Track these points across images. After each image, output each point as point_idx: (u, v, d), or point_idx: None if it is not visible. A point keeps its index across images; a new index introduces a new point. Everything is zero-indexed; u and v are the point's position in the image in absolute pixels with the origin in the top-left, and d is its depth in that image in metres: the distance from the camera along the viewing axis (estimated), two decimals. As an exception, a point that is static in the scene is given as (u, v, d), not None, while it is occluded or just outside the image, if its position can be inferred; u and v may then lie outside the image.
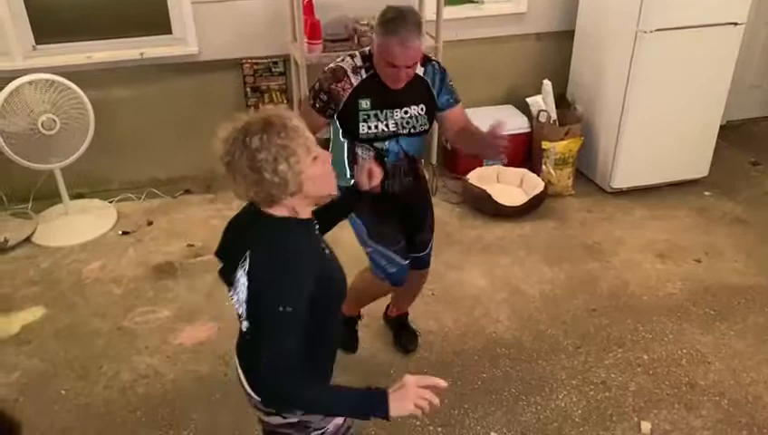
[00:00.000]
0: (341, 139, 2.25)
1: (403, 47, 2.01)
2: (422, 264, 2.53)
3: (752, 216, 3.75)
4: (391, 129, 2.19)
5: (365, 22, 3.56)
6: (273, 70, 3.87)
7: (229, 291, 1.46)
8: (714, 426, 2.44)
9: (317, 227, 1.55)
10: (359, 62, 2.16)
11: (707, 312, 3.02)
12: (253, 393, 1.52)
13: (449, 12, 3.82)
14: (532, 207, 3.73)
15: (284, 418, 1.53)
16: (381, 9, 2.06)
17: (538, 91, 4.02)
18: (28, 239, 3.52)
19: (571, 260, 3.37)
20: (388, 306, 2.84)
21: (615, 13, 3.69)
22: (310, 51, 3.49)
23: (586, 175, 4.13)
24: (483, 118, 4.08)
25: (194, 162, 3.92)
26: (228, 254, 1.48)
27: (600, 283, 3.20)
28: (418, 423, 2.44)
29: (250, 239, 1.42)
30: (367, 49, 2.19)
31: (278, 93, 3.90)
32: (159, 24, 3.69)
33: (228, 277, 1.45)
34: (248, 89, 3.88)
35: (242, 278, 1.38)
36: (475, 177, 3.84)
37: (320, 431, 1.56)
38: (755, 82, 4.72)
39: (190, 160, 3.93)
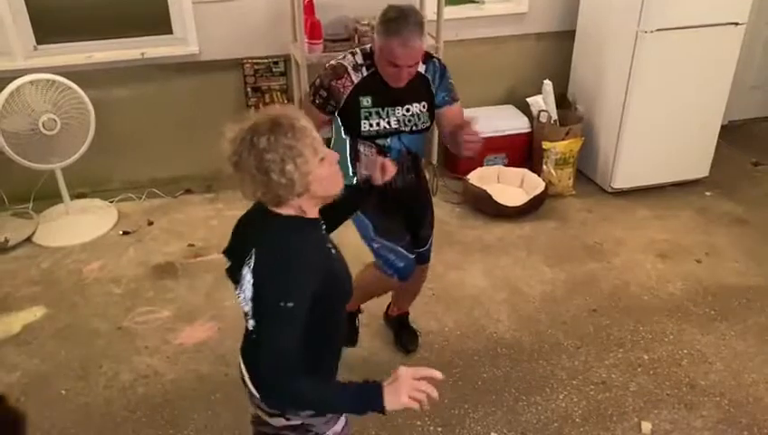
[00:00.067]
0: (343, 136, 2.25)
1: (405, 47, 2.01)
2: (423, 259, 2.54)
3: (752, 216, 3.74)
4: (393, 126, 2.20)
5: (366, 22, 3.56)
6: (274, 70, 3.87)
7: (236, 289, 1.46)
8: (714, 426, 2.44)
9: (323, 226, 1.55)
10: (360, 59, 2.16)
11: (708, 312, 3.01)
12: (256, 393, 1.52)
13: (450, 12, 3.82)
14: (532, 208, 3.73)
15: (287, 420, 1.52)
16: (382, 9, 2.06)
17: (538, 91, 4.02)
18: (29, 239, 3.52)
19: (571, 260, 3.36)
20: (388, 306, 2.84)
21: (616, 13, 3.69)
22: (310, 51, 3.50)
23: (587, 175, 4.13)
24: (483, 118, 4.11)
25: (194, 162, 3.93)
26: (236, 252, 1.49)
27: (601, 283, 3.20)
28: (419, 423, 2.44)
29: (256, 238, 1.43)
30: (368, 46, 2.18)
31: (279, 93, 3.90)
32: (160, 23, 3.69)
33: (235, 276, 1.46)
34: (249, 89, 3.88)
35: (247, 276, 1.39)
36: (476, 177, 3.84)
37: None
38: (756, 83, 4.72)
39: (191, 160, 3.94)
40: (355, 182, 2.25)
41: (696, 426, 2.44)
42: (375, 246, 2.35)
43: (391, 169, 1.84)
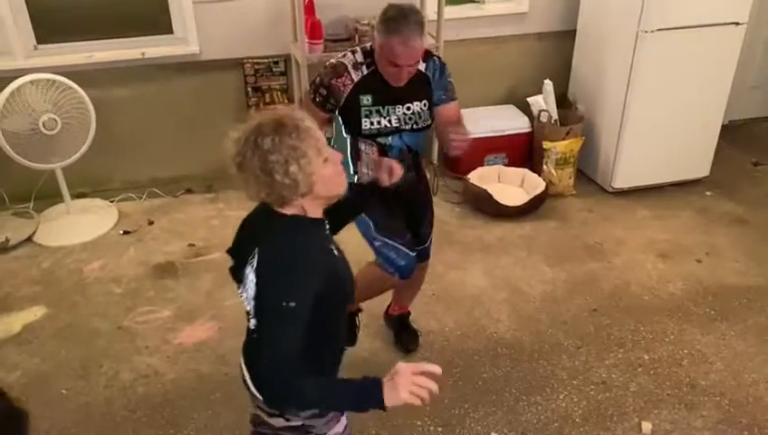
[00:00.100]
0: (344, 135, 2.25)
1: (405, 47, 2.01)
2: (423, 256, 2.54)
3: (753, 216, 3.74)
4: (394, 124, 2.20)
5: (366, 21, 3.56)
6: (274, 70, 3.87)
7: (239, 288, 1.47)
8: (714, 426, 2.44)
9: (327, 227, 1.55)
10: (360, 57, 2.16)
11: (708, 312, 3.01)
12: (257, 393, 1.52)
13: (450, 11, 3.81)
14: (533, 207, 3.73)
15: (287, 420, 1.52)
16: (382, 8, 2.06)
17: (539, 90, 4.01)
18: (29, 239, 3.52)
19: (571, 260, 3.36)
20: (389, 305, 2.84)
21: (616, 12, 3.69)
22: (311, 51, 3.50)
23: (587, 175, 4.13)
24: (483, 118, 4.15)
25: (195, 162, 3.93)
26: (239, 251, 1.49)
27: (601, 283, 3.20)
28: (419, 423, 2.44)
29: (259, 237, 1.44)
30: (368, 44, 2.18)
31: (279, 93, 3.90)
32: (160, 23, 3.70)
33: (238, 275, 1.46)
34: (249, 89, 3.88)
35: (250, 275, 1.39)
36: (476, 176, 3.84)
37: None
38: (757, 83, 4.71)
39: (191, 160, 3.94)
40: (356, 180, 2.26)
41: (697, 426, 2.44)
42: (376, 244, 2.35)
43: (399, 171, 1.85)
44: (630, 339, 2.85)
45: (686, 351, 2.79)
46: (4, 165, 3.44)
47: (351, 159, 2.27)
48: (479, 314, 3.00)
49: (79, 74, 3.46)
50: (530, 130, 4.10)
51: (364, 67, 2.15)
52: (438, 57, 2.26)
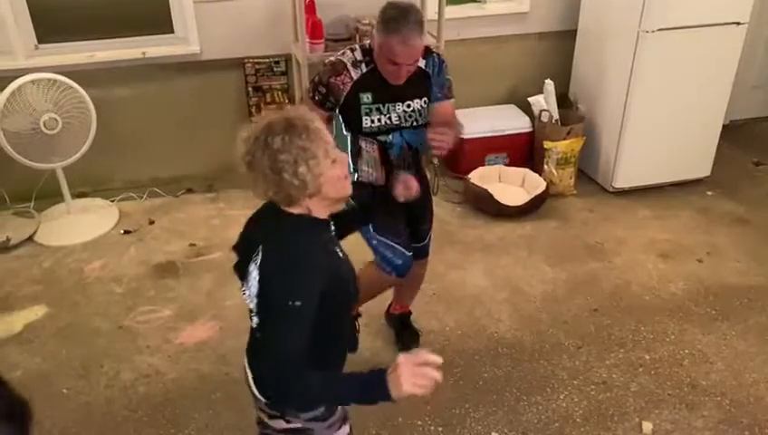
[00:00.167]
0: (345, 132, 2.25)
1: (405, 46, 2.01)
2: (421, 253, 2.55)
3: (754, 216, 3.74)
4: (394, 122, 2.20)
5: (367, 21, 3.56)
6: (275, 69, 3.87)
7: (242, 285, 1.47)
8: (715, 426, 2.44)
9: (333, 229, 1.55)
10: (359, 55, 2.16)
11: (709, 312, 3.01)
12: (259, 394, 1.52)
13: (451, 11, 3.81)
14: (533, 207, 3.73)
15: (287, 422, 1.52)
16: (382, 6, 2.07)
17: (540, 90, 4.01)
18: (30, 238, 3.53)
19: (572, 260, 3.36)
20: (390, 305, 2.84)
21: (617, 12, 3.69)
22: (311, 50, 3.50)
23: (588, 175, 4.13)
24: (484, 117, 4.15)
25: (196, 161, 3.93)
26: (244, 249, 1.50)
27: (602, 283, 3.20)
28: (419, 423, 2.44)
29: (264, 235, 1.45)
30: (367, 42, 2.19)
31: (280, 93, 3.90)
32: (161, 23, 3.70)
33: (242, 272, 1.47)
34: (250, 88, 3.87)
35: (254, 272, 1.40)
36: (477, 176, 3.84)
37: None
38: (758, 82, 4.71)
39: (192, 159, 3.94)
40: (356, 178, 2.26)
41: (698, 426, 2.44)
42: (373, 242, 2.36)
43: (415, 187, 1.87)
44: (631, 339, 2.85)
45: (686, 351, 2.79)
46: (4, 164, 3.44)
47: (352, 156, 2.28)
48: (480, 313, 3.00)
49: (80, 74, 3.46)
50: (531, 129, 4.10)
51: (363, 65, 2.15)
52: (438, 54, 2.26)
